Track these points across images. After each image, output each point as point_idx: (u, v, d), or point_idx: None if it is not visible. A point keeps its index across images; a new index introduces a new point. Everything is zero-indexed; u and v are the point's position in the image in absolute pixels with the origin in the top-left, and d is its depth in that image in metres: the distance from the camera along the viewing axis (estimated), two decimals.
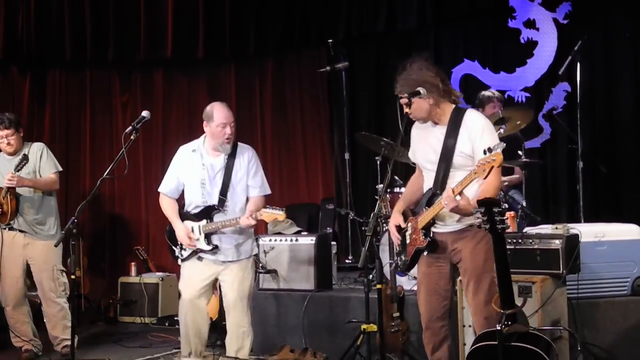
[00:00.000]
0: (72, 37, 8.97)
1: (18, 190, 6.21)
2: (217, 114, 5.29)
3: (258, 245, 5.64)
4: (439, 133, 4.28)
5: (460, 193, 3.98)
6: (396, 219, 4.41)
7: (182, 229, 5.35)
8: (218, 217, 5.33)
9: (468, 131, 4.17)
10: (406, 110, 4.25)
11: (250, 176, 5.40)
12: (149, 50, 9.15)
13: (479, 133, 4.15)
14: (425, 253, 4.32)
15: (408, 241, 4.39)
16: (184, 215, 5.43)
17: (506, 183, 6.44)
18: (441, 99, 4.24)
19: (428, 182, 4.34)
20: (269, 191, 5.47)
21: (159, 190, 5.59)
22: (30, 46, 8.89)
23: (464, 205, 4.00)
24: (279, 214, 5.13)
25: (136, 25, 9.11)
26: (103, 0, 9.13)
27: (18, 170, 6.08)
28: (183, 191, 5.52)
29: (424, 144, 4.36)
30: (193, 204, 5.42)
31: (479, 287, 4.19)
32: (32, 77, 9.22)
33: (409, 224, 4.37)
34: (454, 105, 4.28)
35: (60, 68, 9.30)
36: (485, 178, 3.85)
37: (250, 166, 5.41)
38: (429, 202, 4.26)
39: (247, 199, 5.42)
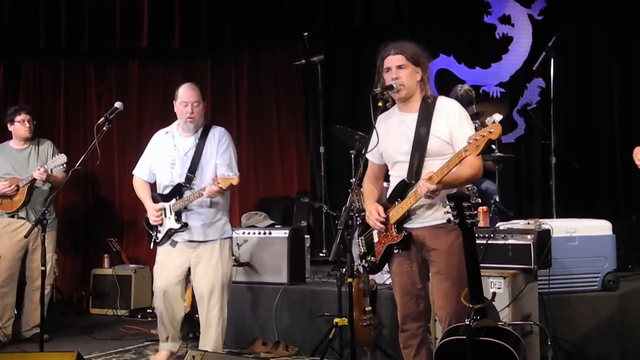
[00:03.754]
0: (47, 26, 8.83)
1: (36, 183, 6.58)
2: (181, 93, 5.39)
3: (231, 238, 5.60)
4: (409, 121, 4.11)
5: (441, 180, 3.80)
6: (377, 207, 4.17)
7: (150, 207, 5.41)
8: (187, 195, 5.33)
9: (445, 116, 4.03)
10: (395, 75, 4.09)
11: (219, 154, 5.38)
12: (124, 40, 9.05)
13: (457, 119, 4.03)
14: (396, 250, 4.12)
15: (376, 240, 4.21)
16: (155, 198, 5.46)
17: None
18: (422, 83, 4.13)
19: (400, 175, 4.13)
20: (236, 172, 5.31)
21: (133, 172, 5.64)
22: (3, 35, 8.76)
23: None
24: (232, 178, 5.05)
25: (112, 14, 8.99)
26: None
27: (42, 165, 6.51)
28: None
29: (394, 136, 4.16)
30: (162, 185, 5.45)
31: (454, 286, 3.98)
32: (6, 67, 9.09)
33: None
34: (423, 93, 4.15)
35: (35, 58, 9.18)
36: (478, 155, 3.70)
37: (220, 144, 5.40)
38: (402, 194, 4.06)
39: None
